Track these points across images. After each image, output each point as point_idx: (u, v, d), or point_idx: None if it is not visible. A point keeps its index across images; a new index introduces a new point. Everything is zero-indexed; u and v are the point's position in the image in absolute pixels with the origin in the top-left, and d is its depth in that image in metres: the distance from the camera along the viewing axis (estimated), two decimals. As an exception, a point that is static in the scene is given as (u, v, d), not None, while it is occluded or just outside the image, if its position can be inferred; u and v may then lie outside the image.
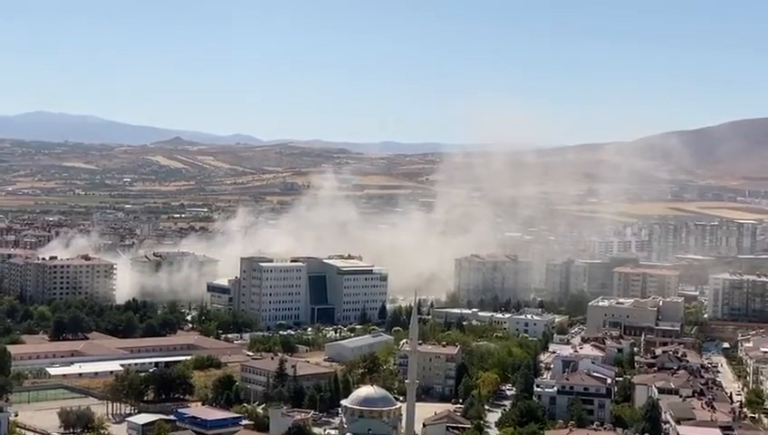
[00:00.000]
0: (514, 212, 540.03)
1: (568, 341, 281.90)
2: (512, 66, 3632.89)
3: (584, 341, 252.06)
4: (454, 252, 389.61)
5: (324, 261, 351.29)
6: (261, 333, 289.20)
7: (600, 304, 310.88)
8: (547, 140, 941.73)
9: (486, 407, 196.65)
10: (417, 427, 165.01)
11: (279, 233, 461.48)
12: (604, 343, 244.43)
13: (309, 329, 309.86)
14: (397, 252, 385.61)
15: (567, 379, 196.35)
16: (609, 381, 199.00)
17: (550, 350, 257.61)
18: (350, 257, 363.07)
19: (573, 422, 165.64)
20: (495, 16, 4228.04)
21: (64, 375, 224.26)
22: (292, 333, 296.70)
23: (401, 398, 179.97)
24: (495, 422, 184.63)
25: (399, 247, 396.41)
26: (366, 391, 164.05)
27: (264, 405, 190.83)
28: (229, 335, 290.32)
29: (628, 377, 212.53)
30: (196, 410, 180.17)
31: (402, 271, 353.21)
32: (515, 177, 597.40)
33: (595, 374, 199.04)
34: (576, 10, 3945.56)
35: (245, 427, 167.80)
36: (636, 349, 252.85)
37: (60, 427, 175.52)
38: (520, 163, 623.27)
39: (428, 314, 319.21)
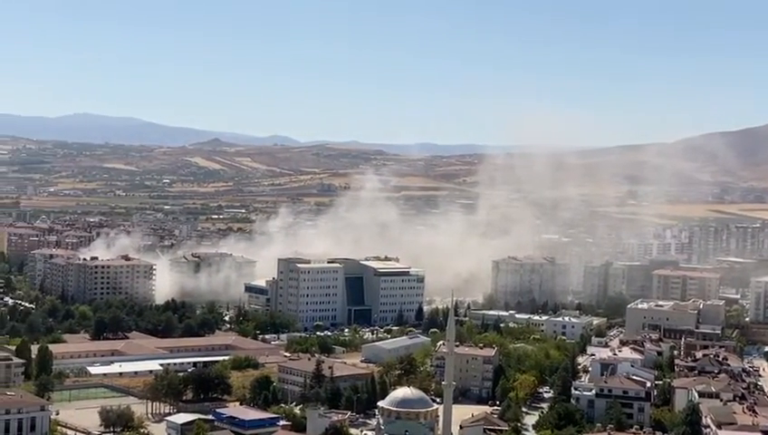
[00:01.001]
0: (554, 214, 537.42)
1: (606, 343, 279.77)
2: (553, 70, 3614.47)
3: (623, 344, 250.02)
4: (492, 253, 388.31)
5: (361, 262, 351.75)
6: (298, 334, 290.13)
7: (640, 306, 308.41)
8: (589, 142, 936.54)
9: (524, 409, 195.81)
10: (454, 429, 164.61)
11: (318, 234, 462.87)
12: (643, 346, 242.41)
13: (346, 330, 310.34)
14: (435, 253, 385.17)
15: (605, 382, 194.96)
16: (648, 384, 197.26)
17: (588, 352, 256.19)
18: (386, 259, 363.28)
19: (612, 426, 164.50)
20: (537, 21, 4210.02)
21: (105, 374, 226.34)
22: (329, 334, 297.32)
23: (438, 399, 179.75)
24: (533, 425, 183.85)
25: (438, 249, 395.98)
26: (403, 392, 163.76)
27: (301, 406, 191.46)
28: (267, 336, 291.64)
29: (668, 380, 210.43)
30: (234, 410, 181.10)
31: (440, 272, 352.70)
32: (556, 178, 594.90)
33: (634, 377, 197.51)
34: (617, 15, 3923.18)
35: (283, 427, 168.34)
36: (676, 352, 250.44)
37: (100, 426, 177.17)
38: (561, 165, 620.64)
39: (465, 316, 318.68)
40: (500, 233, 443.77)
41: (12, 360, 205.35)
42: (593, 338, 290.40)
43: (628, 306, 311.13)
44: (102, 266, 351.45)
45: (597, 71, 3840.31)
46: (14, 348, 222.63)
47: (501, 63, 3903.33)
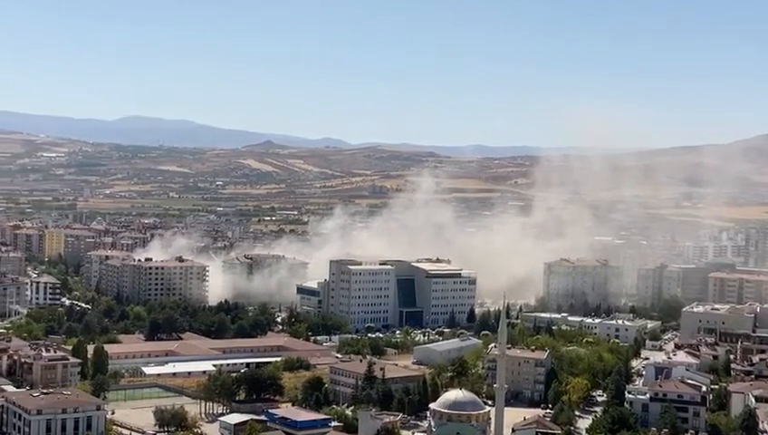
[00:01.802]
0: (609, 216, 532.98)
1: (661, 347, 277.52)
2: (609, 70, 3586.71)
3: (678, 347, 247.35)
4: (546, 256, 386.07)
5: (413, 264, 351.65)
6: (350, 336, 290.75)
7: (695, 309, 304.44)
8: (646, 143, 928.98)
9: (576, 413, 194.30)
10: (507, 432, 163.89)
11: (371, 235, 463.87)
12: (699, 350, 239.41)
13: (397, 332, 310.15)
14: (488, 255, 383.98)
15: (660, 386, 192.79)
16: (704, 388, 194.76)
17: (642, 356, 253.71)
18: (438, 260, 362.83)
19: (667, 431, 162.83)
20: (591, 21, 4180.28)
21: (159, 375, 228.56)
22: (381, 335, 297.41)
23: (490, 402, 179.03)
24: (586, 429, 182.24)
25: (491, 251, 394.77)
26: (455, 394, 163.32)
27: (352, 407, 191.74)
28: (318, 337, 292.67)
29: (724, 385, 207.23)
30: (286, 410, 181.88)
31: (493, 274, 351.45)
32: (612, 180, 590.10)
33: (689, 381, 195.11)
34: (674, 14, 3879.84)
35: (334, 428, 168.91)
36: (732, 356, 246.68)
37: (155, 425, 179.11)
38: (617, 166, 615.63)
39: (517, 319, 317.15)
40: (554, 235, 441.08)
41: (68, 359, 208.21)
42: (647, 341, 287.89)
43: (684, 309, 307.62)
44: (157, 268, 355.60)
45: (654, 70, 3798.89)
46: (70, 348, 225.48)
47: (555, 64, 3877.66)
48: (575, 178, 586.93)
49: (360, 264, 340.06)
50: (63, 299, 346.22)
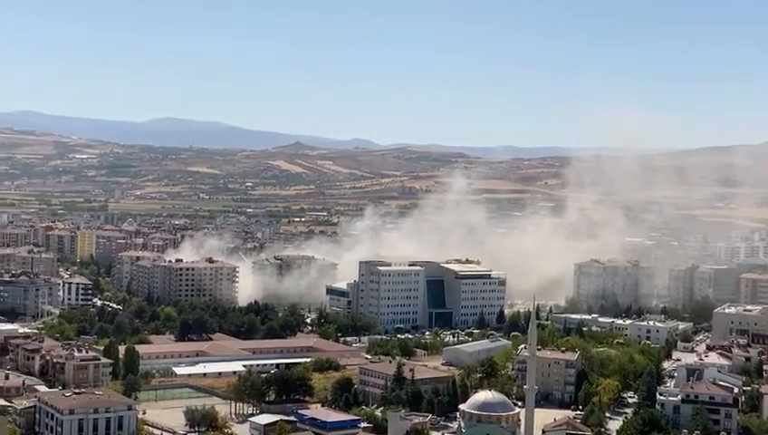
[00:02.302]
0: (641, 217, 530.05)
1: (692, 348, 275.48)
2: (639, 74, 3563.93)
3: (710, 349, 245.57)
4: (578, 256, 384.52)
5: (442, 265, 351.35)
6: (379, 337, 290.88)
7: (727, 311, 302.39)
8: (676, 144, 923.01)
9: (607, 414, 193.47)
10: (536, 433, 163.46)
11: (401, 236, 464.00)
12: (731, 352, 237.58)
13: (427, 333, 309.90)
14: (519, 256, 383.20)
15: (692, 387, 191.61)
16: (735, 390, 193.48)
17: (673, 357, 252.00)
18: (467, 262, 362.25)
19: (698, 433, 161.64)
20: (621, 24, 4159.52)
21: (189, 375, 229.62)
22: (410, 336, 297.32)
23: (519, 403, 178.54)
24: (616, 430, 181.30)
25: (522, 251, 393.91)
26: (484, 395, 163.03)
27: (382, 408, 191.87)
28: (348, 338, 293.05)
29: (756, 386, 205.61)
30: (316, 411, 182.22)
31: (523, 275, 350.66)
32: (644, 180, 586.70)
33: (721, 383, 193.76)
34: (702, 16, 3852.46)
35: (364, 429, 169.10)
36: (764, 357, 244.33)
37: (185, 425, 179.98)
38: (649, 167, 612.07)
39: (547, 320, 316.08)
40: (586, 236, 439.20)
41: (100, 360, 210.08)
42: (679, 343, 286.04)
43: (715, 311, 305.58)
44: (187, 269, 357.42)
45: (683, 72, 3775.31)
46: (102, 348, 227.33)
47: (584, 67, 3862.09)
48: (607, 178, 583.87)
49: (390, 265, 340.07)
50: (95, 300, 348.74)
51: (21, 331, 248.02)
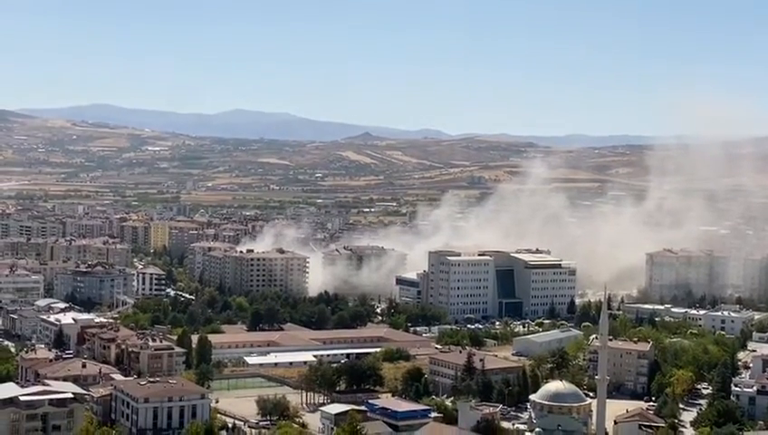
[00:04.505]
0: (720, 205, 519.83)
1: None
2: (723, 61, 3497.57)
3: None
4: (653, 246, 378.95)
5: (512, 255, 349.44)
6: (449, 327, 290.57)
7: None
8: (763, 131, 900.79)
9: (681, 406, 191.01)
10: (609, 424, 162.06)
11: (473, 226, 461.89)
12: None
13: (497, 323, 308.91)
14: (594, 246, 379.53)
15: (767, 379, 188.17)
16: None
17: (749, 348, 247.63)
18: (537, 251, 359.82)
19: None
20: (703, 6, 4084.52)
21: (261, 364, 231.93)
22: (480, 326, 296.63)
23: (591, 394, 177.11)
24: (690, 422, 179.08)
25: (597, 241, 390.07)
26: (555, 386, 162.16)
27: (452, 398, 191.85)
28: (418, 328, 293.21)
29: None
30: (387, 401, 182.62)
31: (599, 265, 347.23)
32: (727, 168, 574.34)
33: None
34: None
35: (434, 419, 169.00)
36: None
37: (257, 414, 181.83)
38: (733, 154, 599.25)
39: (619, 310, 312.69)
40: (665, 225, 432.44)
41: (174, 349, 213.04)
42: (754, 333, 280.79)
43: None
44: (258, 259, 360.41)
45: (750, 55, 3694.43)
46: (175, 338, 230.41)
47: (656, 54, 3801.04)
48: (689, 166, 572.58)
49: (459, 255, 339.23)
50: (168, 290, 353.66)
51: (97, 320, 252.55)
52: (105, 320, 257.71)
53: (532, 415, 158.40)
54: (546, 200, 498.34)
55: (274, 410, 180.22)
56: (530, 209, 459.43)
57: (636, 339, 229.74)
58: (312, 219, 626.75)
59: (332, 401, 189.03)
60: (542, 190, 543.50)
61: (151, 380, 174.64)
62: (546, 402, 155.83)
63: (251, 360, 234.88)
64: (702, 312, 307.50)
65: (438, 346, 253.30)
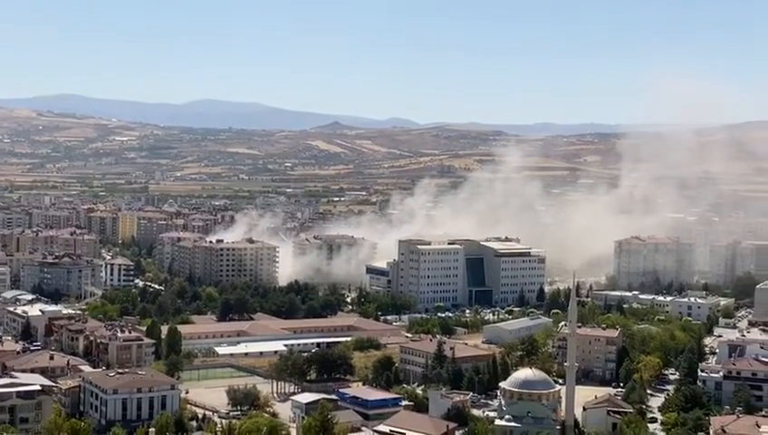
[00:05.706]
0: (690, 193, 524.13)
1: (734, 325, 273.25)
2: (687, 43, 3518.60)
3: (752, 325, 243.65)
4: (622, 234, 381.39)
5: (482, 243, 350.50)
6: (419, 315, 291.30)
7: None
8: (719, 118, 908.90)
9: (648, 391, 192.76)
10: (577, 410, 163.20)
11: (444, 215, 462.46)
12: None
13: (467, 311, 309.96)
14: (563, 233, 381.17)
15: (734, 364, 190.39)
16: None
17: (715, 334, 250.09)
18: (507, 240, 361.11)
19: (740, 409, 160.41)
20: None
21: (231, 355, 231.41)
22: (450, 315, 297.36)
23: (560, 381, 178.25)
24: (658, 407, 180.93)
25: (567, 229, 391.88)
26: (525, 373, 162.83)
27: (422, 386, 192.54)
28: (388, 317, 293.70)
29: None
30: (357, 390, 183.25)
31: (568, 253, 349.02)
32: (698, 155, 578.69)
33: (763, 359, 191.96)
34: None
35: (405, 407, 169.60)
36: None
37: (228, 404, 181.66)
38: (702, 142, 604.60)
39: (587, 297, 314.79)
40: (635, 213, 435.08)
41: (143, 340, 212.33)
42: (720, 319, 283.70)
43: (758, 287, 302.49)
44: (228, 249, 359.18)
45: (738, 44, 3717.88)
46: (144, 329, 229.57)
47: (620, 42, 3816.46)
48: (657, 154, 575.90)
49: (429, 244, 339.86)
50: (137, 281, 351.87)
51: (65, 312, 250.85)
52: (73, 311, 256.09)
53: (502, 402, 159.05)
54: (519, 188, 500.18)
55: (245, 400, 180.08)
56: (503, 197, 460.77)
57: (604, 326, 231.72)
58: (282, 209, 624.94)
59: (303, 391, 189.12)
60: (514, 179, 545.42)
61: (120, 371, 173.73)
62: (516, 390, 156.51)
63: (221, 350, 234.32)
64: (669, 298, 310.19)
65: (409, 335, 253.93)
